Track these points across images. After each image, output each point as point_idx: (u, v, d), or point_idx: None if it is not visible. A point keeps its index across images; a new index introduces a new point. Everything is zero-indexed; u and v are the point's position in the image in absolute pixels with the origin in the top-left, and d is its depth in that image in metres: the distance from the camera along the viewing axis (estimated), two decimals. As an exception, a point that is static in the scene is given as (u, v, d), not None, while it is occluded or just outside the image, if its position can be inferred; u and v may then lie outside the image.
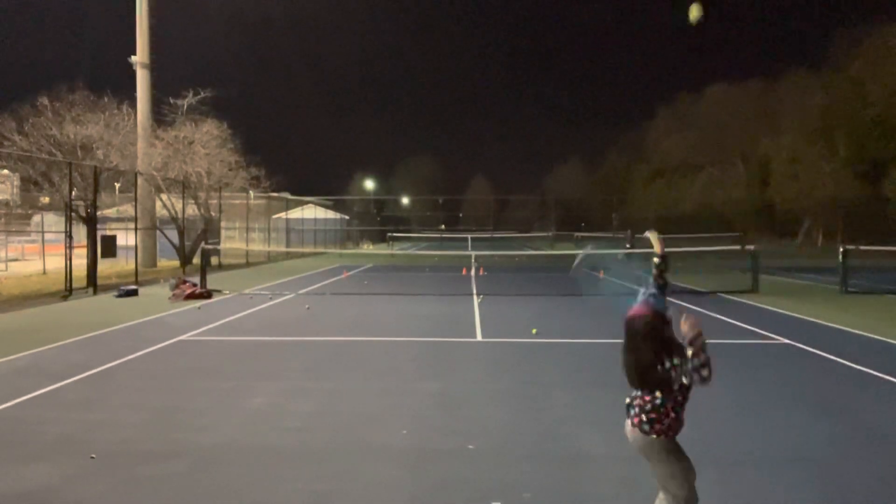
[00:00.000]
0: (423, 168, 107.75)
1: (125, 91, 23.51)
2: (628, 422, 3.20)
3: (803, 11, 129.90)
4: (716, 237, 45.59)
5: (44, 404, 6.12)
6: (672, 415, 3.11)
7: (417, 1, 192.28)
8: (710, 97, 63.79)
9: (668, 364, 3.01)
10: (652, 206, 61.15)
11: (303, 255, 33.70)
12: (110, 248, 18.00)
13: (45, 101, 19.29)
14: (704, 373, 2.91)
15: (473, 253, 26.19)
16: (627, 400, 3.23)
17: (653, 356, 3.04)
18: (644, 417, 3.11)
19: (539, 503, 3.97)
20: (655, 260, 3.59)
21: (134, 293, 15.24)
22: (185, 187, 23.73)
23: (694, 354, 2.95)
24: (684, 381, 3.00)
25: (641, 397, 3.15)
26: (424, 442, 5.07)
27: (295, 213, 45.37)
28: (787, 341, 9.37)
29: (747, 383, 6.96)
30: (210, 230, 25.58)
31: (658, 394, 3.10)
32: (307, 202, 48.76)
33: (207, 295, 14.95)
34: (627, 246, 29.31)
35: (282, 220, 40.08)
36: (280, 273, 22.68)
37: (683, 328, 3.07)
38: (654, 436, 3.10)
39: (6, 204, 20.58)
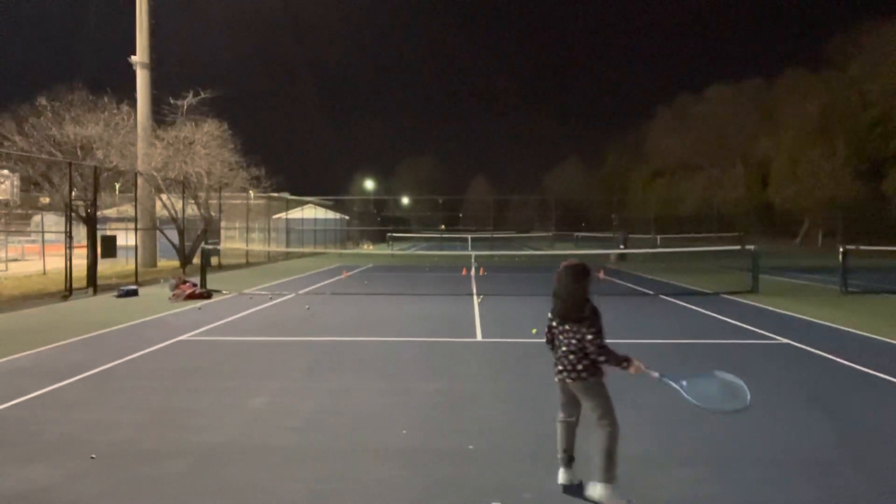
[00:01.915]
0: (423, 168, 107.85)
1: (125, 91, 23.50)
2: (565, 375, 4.02)
3: (803, 11, 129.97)
4: (716, 237, 45.65)
5: (44, 404, 6.12)
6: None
7: (418, 1, 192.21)
8: (710, 97, 63.91)
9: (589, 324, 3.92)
10: (652, 206, 61.16)
11: (303, 255, 33.71)
12: (110, 248, 18.00)
13: (45, 101, 19.29)
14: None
15: (473, 253, 26.20)
16: (560, 367, 4.04)
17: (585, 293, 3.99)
18: (581, 368, 3.96)
19: (539, 503, 3.97)
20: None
21: (134, 293, 15.24)
22: (185, 187, 23.74)
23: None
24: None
25: (574, 354, 3.96)
26: (424, 442, 5.07)
27: (295, 213, 45.36)
28: (787, 341, 9.37)
29: (747, 383, 6.94)
30: (210, 230, 25.57)
31: (580, 353, 3.96)
32: (307, 202, 48.75)
33: (207, 295, 14.95)
34: (621, 247, 29.19)
35: (282, 220, 40.07)
36: (280, 273, 22.68)
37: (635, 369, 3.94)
38: (594, 378, 3.96)
39: (6, 204, 20.57)
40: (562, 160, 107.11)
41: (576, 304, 3.95)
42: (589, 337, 3.88)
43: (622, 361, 3.90)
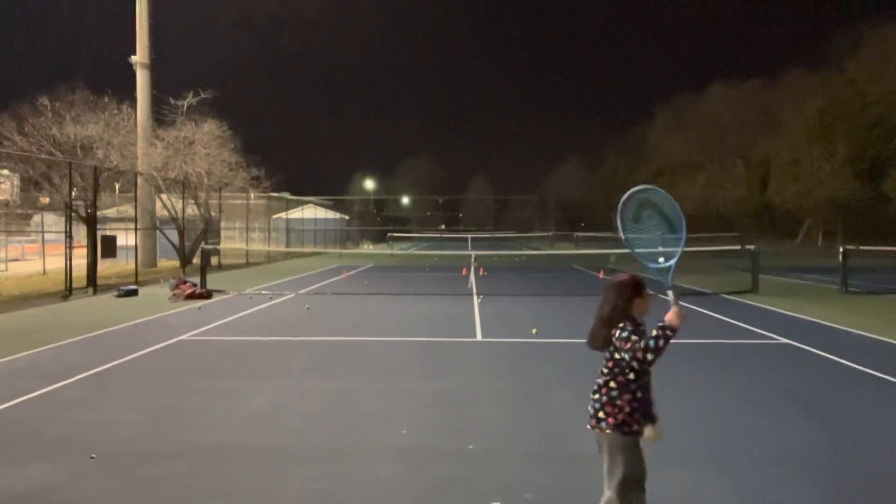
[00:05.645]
0: (423, 168, 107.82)
1: (125, 91, 23.52)
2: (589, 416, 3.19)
3: (803, 11, 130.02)
4: (716, 237, 45.65)
5: (44, 404, 6.12)
6: (627, 409, 3.06)
7: (418, 1, 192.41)
8: (710, 97, 63.84)
9: (618, 332, 3.03)
10: (652, 206, 61.00)
11: (303, 255, 33.70)
12: (110, 248, 17.99)
13: (45, 101, 19.29)
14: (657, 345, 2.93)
15: (473, 253, 26.19)
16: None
17: (610, 311, 3.15)
18: (603, 415, 3.10)
19: (539, 503, 3.97)
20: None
21: (134, 293, 15.23)
22: (185, 187, 23.73)
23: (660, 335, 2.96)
24: (626, 357, 3.00)
25: (597, 391, 3.14)
26: (424, 442, 5.07)
27: (295, 213, 45.37)
28: (787, 341, 9.37)
29: (747, 383, 6.96)
30: (210, 230, 25.57)
31: (612, 383, 3.08)
32: (307, 202, 48.79)
33: (207, 295, 14.95)
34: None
35: (282, 220, 40.08)
36: (280, 273, 22.68)
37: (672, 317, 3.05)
38: (610, 431, 3.08)
39: (6, 204, 20.58)
40: (562, 160, 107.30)
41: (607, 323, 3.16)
42: (618, 336, 3.04)
43: (668, 331, 2.98)
